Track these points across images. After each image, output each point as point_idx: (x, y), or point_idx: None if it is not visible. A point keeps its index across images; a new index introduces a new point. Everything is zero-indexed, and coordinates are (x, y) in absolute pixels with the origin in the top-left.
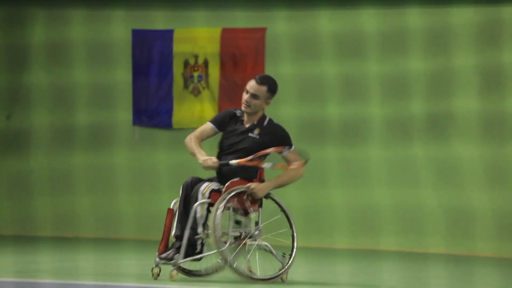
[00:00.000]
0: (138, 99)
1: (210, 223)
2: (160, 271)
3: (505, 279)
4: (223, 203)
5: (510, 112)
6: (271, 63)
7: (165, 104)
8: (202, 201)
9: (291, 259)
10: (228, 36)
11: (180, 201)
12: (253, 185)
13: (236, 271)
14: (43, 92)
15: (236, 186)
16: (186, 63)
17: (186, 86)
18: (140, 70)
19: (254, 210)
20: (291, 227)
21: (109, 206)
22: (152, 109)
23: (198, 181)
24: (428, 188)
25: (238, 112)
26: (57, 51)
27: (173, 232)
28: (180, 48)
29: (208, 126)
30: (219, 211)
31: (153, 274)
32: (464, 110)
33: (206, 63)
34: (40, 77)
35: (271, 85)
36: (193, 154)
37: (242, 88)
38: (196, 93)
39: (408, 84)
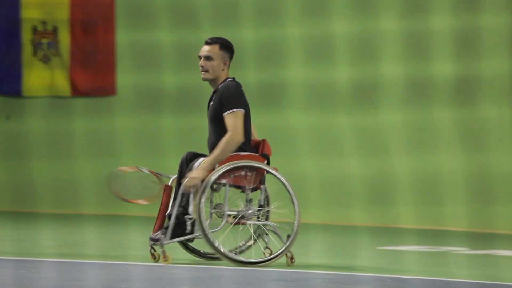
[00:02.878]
0: None
1: (195, 202)
2: (154, 251)
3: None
4: (213, 178)
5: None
6: (121, 30)
7: (13, 71)
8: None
9: (291, 239)
10: (77, 3)
11: (176, 179)
12: (189, 174)
13: (223, 255)
14: None
15: (232, 161)
16: (34, 30)
17: (35, 53)
18: None
19: (251, 188)
20: (292, 203)
21: None
22: (1, 77)
23: (194, 156)
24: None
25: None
26: None
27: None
28: (28, 13)
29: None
30: (206, 189)
31: (151, 256)
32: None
33: (55, 30)
34: None
35: (223, 42)
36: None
37: (94, 55)
38: (46, 60)
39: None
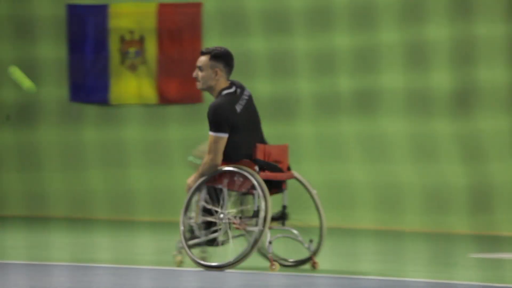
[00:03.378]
0: (75, 75)
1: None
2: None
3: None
4: (195, 185)
5: (434, 87)
6: (209, 38)
7: (101, 80)
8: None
9: (249, 246)
10: (164, 11)
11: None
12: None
13: (192, 260)
14: None
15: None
16: (122, 39)
17: (122, 62)
18: (75, 46)
19: (242, 193)
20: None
21: (37, 184)
22: (89, 85)
23: None
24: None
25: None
26: None
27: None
28: (116, 23)
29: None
30: (189, 193)
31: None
32: (391, 85)
33: (142, 39)
34: None
35: (214, 52)
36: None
37: (180, 63)
38: (133, 69)
39: (335, 60)
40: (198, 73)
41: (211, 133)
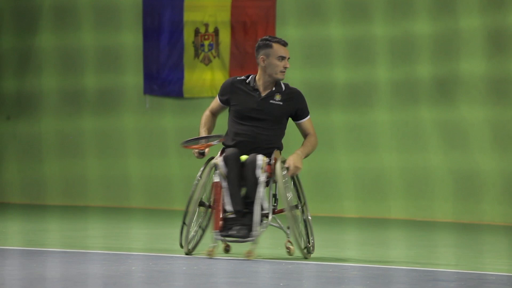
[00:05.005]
0: (149, 68)
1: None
2: (227, 247)
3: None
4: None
5: None
6: (281, 30)
7: (175, 73)
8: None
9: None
10: (238, 4)
11: (228, 175)
12: (289, 163)
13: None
14: (52, 56)
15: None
16: (196, 32)
17: (196, 54)
18: (150, 38)
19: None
20: (299, 198)
21: (118, 172)
22: (163, 78)
23: (240, 153)
24: (436, 153)
25: (246, 78)
26: (67, 15)
27: (227, 207)
28: (191, 16)
29: (216, 102)
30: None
31: (210, 253)
32: (471, 72)
33: (216, 32)
34: (49, 41)
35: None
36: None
37: (253, 56)
38: (207, 62)
39: (415, 47)
40: (287, 64)
41: (308, 118)
